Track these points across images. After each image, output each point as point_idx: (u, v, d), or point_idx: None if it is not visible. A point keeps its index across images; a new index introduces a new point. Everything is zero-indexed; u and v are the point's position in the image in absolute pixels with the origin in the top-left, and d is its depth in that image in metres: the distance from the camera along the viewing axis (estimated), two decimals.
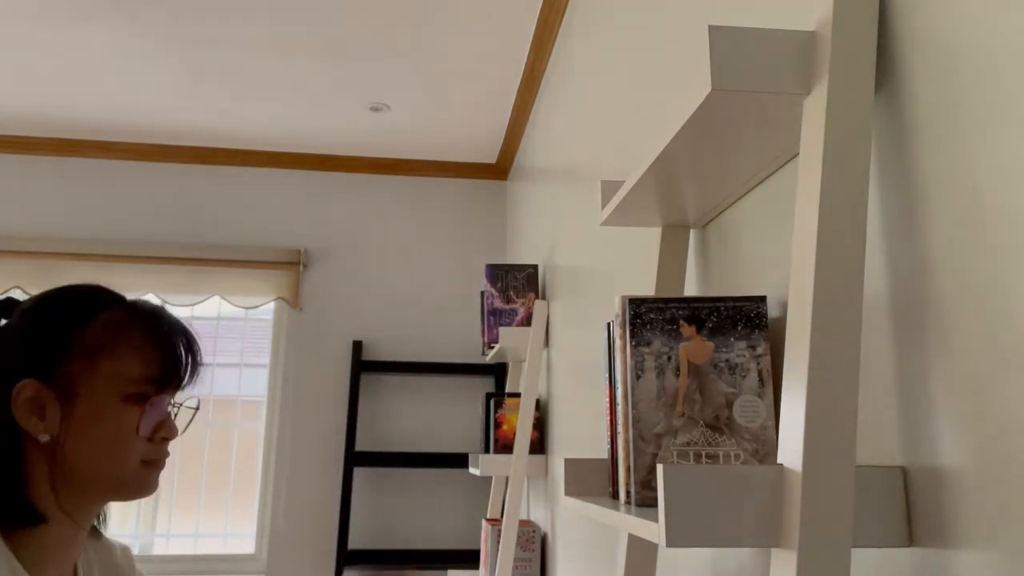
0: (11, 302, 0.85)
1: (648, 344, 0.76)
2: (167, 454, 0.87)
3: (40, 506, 0.78)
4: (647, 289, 1.16)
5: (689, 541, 0.56)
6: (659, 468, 0.57)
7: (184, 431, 0.88)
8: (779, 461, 0.59)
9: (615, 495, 0.90)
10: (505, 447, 2.41)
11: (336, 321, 3.38)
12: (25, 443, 0.79)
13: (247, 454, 3.32)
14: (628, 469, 0.84)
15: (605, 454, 1.61)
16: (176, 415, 0.87)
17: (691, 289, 1.13)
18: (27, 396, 0.78)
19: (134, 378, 0.82)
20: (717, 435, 0.73)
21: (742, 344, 0.75)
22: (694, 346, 0.76)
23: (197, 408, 0.88)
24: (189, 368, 0.86)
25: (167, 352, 0.84)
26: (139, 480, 0.83)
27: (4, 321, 0.83)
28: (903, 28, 0.64)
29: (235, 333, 3.46)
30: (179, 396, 0.88)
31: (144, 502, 3.27)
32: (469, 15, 2.38)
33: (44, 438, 0.78)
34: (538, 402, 2.46)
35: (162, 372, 0.83)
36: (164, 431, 0.85)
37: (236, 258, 3.32)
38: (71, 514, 0.80)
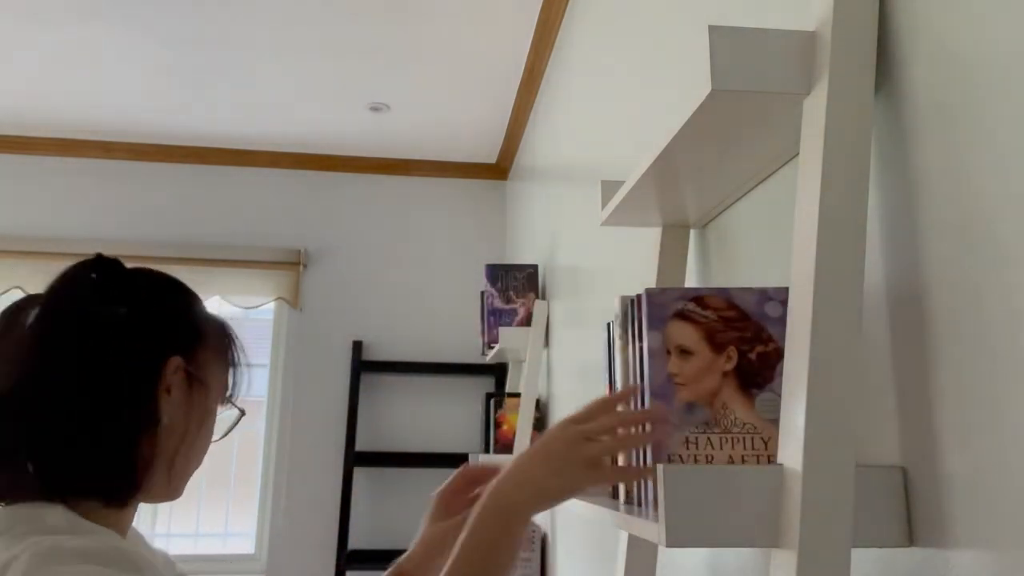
0: (106, 261, 0.79)
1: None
2: None
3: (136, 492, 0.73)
4: None
5: (689, 541, 0.56)
6: (659, 468, 0.57)
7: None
8: (779, 461, 0.59)
9: (615, 495, 0.90)
10: (505, 447, 2.41)
11: (336, 321, 3.38)
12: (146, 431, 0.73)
13: (247, 454, 3.32)
14: None
15: None
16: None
17: None
18: (182, 375, 0.75)
19: (226, 383, 0.82)
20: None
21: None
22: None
23: (240, 417, 0.86)
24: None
25: (244, 371, 0.85)
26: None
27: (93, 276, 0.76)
28: (903, 28, 0.64)
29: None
30: None
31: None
32: (469, 15, 2.38)
33: (165, 420, 0.74)
34: (538, 402, 2.46)
35: (236, 387, 0.84)
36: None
37: (236, 258, 3.32)
38: (133, 503, 0.74)
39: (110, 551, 0.63)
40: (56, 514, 0.67)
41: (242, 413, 0.85)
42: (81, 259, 0.77)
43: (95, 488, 0.70)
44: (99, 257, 0.79)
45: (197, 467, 0.80)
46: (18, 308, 0.75)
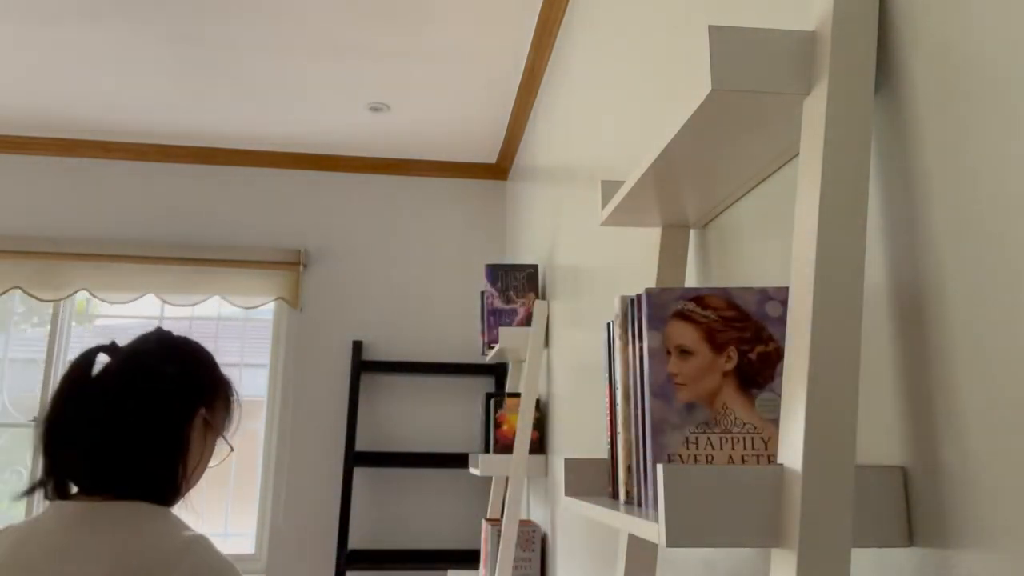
0: (165, 334, 1.14)
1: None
2: None
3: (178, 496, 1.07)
4: None
5: (689, 541, 0.56)
6: (659, 468, 0.57)
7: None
8: (779, 461, 0.59)
9: (615, 495, 0.90)
10: (505, 447, 2.41)
11: (336, 321, 3.38)
12: (186, 453, 1.08)
13: (247, 454, 3.32)
14: (628, 469, 0.84)
15: (605, 454, 1.61)
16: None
17: None
18: (202, 419, 1.10)
19: (225, 426, 1.16)
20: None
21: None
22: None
23: (230, 452, 1.18)
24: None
25: (239, 416, 1.20)
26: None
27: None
28: (903, 28, 0.64)
29: (235, 333, 3.46)
30: None
31: None
32: (469, 15, 2.38)
33: (192, 450, 1.09)
34: (538, 402, 2.46)
35: (231, 428, 1.18)
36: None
37: (236, 258, 3.32)
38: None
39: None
40: (153, 514, 0.99)
41: (231, 450, 1.17)
42: (146, 331, 1.14)
43: (159, 494, 1.03)
44: (159, 329, 1.14)
45: (195, 483, 1.13)
46: (88, 354, 1.06)
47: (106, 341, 1.10)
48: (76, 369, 1.04)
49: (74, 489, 1.02)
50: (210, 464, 1.14)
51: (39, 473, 1.02)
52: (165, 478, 1.03)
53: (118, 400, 1.02)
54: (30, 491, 1.02)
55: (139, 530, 0.95)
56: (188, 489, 1.09)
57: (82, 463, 1.00)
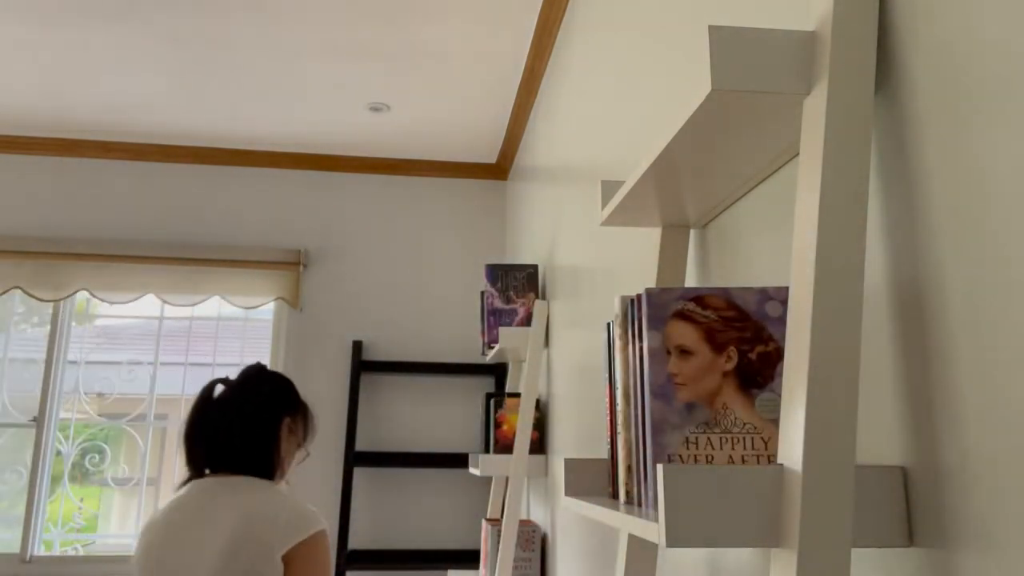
0: (263, 367, 1.64)
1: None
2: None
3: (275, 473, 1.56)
4: None
5: (689, 541, 0.56)
6: (659, 468, 0.57)
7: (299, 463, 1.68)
8: (779, 461, 0.59)
9: (615, 495, 0.90)
10: (505, 447, 2.41)
11: (336, 321, 3.38)
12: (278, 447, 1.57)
13: None
14: (628, 469, 0.84)
15: (605, 454, 1.61)
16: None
17: None
18: (287, 426, 1.59)
19: (303, 435, 1.65)
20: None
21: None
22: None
23: (305, 457, 1.68)
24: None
25: (314, 430, 1.70)
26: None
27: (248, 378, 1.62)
28: (903, 28, 0.64)
29: (235, 333, 3.47)
30: None
31: (144, 503, 3.27)
32: (469, 15, 2.39)
33: (281, 446, 1.57)
34: (538, 402, 2.46)
35: (308, 438, 1.67)
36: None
37: (236, 258, 3.32)
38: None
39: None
40: (263, 484, 1.48)
41: (307, 454, 1.67)
42: (249, 365, 1.64)
43: (261, 471, 1.52)
44: (259, 364, 1.64)
45: (293, 467, 1.63)
46: (210, 385, 1.58)
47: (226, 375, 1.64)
48: (202, 395, 1.56)
49: (206, 473, 1.53)
50: (294, 461, 1.63)
51: (183, 467, 1.54)
52: (264, 460, 1.52)
53: (231, 409, 1.53)
54: (183, 484, 1.50)
55: (253, 493, 1.44)
56: (282, 474, 1.58)
57: (209, 453, 1.51)
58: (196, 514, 1.41)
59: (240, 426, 1.52)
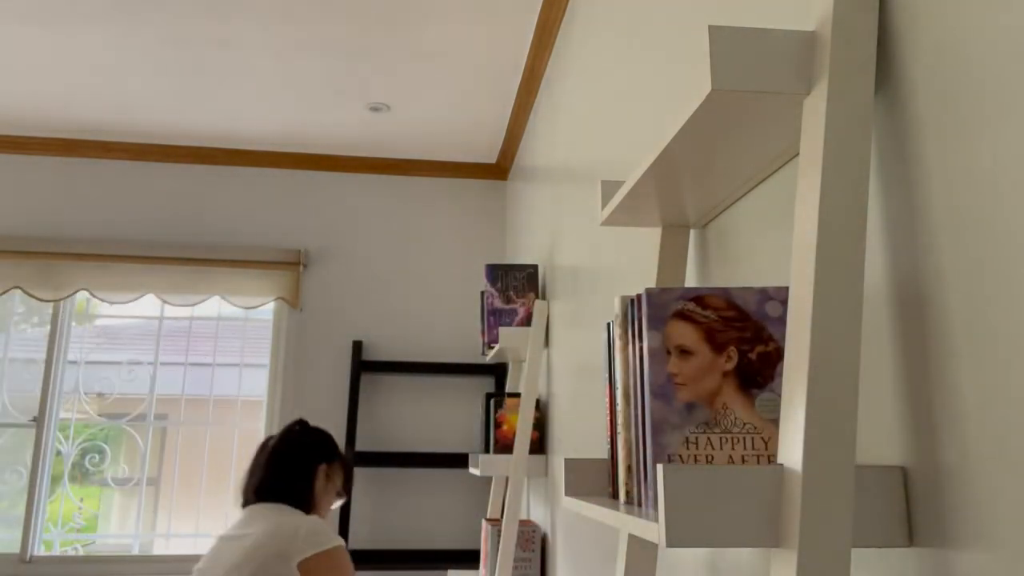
0: (305, 423, 1.98)
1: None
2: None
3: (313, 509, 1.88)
4: None
5: (689, 541, 0.56)
6: (659, 468, 0.57)
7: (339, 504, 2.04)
8: (779, 461, 0.59)
9: (615, 495, 0.90)
10: (505, 447, 2.41)
11: (336, 321, 3.38)
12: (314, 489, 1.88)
13: (247, 455, 3.32)
14: (628, 469, 0.84)
15: (605, 454, 1.61)
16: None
17: None
18: (324, 472, 1.90)
19: (338, 483, 1.96)
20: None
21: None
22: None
23: (344, 501, 2.02)
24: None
25: (351, 489, 2.02)
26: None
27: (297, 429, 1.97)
28: (903, 28, 0.64)
29: (235, 333, 3.46)
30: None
31: (144, 503, 3.27)
32: (469, 15, 2.39)
33: (316, 489, 1.88)
34: (538, 402, 2.46)
35: (346, 493, 1.99)
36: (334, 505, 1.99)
37: (236, 258, 3.32)
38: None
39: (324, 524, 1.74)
40: (294, 510, 1.80)
41: (344, 499, 2.00)
42: (293, 420, 2.00)
43: (299, 505, 1.83)
44: (301, 420, 1.98)
45: (328, 512, 1.93)
46: (267, 439, 1.97)
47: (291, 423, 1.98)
48: (259, 446, 1.94)
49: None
50: (331, 506, 1.95)
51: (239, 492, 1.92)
52: (298, 494, 1.83)
53: (274, 453, 1.89)
54: (243, 505, 1.86)
55: (282, 514, 1.75)
56: (318, 513, 1.87)
57: (256, 487, 1.85)
58: (234, 531, 1.75)
59: (279, 465, 1.86)
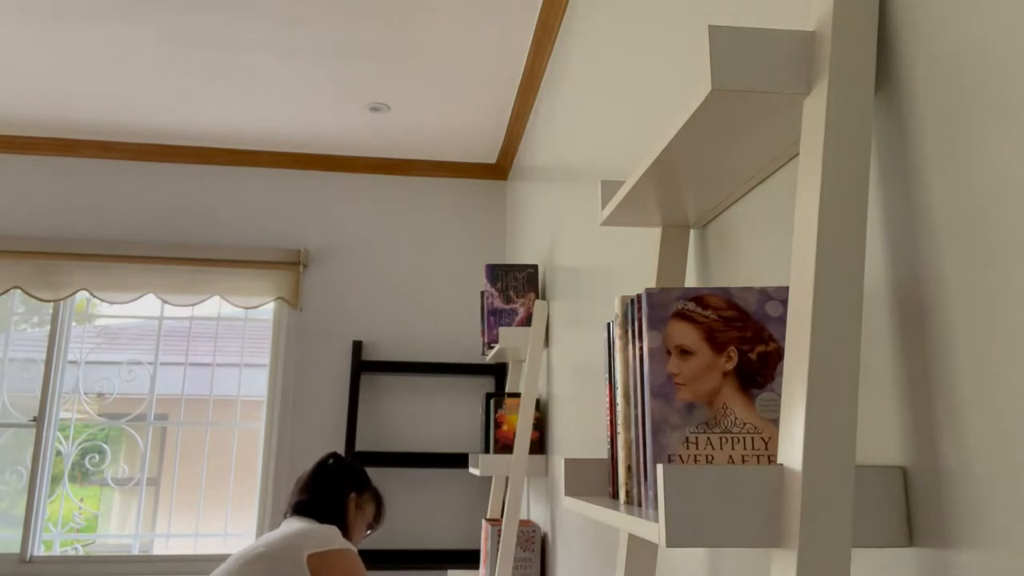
0: (339, 456, 2.18)
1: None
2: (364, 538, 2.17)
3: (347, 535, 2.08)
4: None
5: (689, 541, 0.56)
6: (659, 468, 0.57)
7: (371, 533, 2.23)
8: (779, 461, 0.59)
9: (615, 495, 0.90)
10: (505, 447, 2.41)
11: (336, 321, 3.38)
12: (346, 515, 2.08)
13: (247, 454, 3.32)
14: (628, 469, 0.84)
15: (605, 454, 1.61)
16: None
17: None
18: (354, 501, 2.09)
19: (368, 513, 2.15)
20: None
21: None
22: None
23: (370, 532, 2.19)
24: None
25: (382, 520, 2.21)
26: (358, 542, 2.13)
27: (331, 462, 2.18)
28: (903, 28, 0.64)
29: (235, 333, 3.46)
30: None
31: (144, 503, 3.27)
32: (469, 15, 2.39)
33: (348, 516, 2.07)
34: (538, 402, 2.46)
35: (377, 523, 2.19)
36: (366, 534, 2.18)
37: (236, 258, 3.32)
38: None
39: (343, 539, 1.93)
40: (328, 527, 1.93)
41: (373, 530, 2.19)
42: (327, 453, 2.22)
43: (326, 520, 2.04)
44: (335, 453, 2.19)
45: (360, 539, 2.12)
46: (324, 462, 2.18)
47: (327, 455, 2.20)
48: (313, 467, 2.16)
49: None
50: (363, 535, 2.13)
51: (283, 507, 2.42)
52: (328, 514, 2.03)
53: (311, 479, 2.10)
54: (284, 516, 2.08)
55: (304, 525, 1.92)
56: (351, 538, 2.06)
57: (294, 504, 2.06)
58: (269, 539, 1.91)
59: (312, 487, 2.09)
